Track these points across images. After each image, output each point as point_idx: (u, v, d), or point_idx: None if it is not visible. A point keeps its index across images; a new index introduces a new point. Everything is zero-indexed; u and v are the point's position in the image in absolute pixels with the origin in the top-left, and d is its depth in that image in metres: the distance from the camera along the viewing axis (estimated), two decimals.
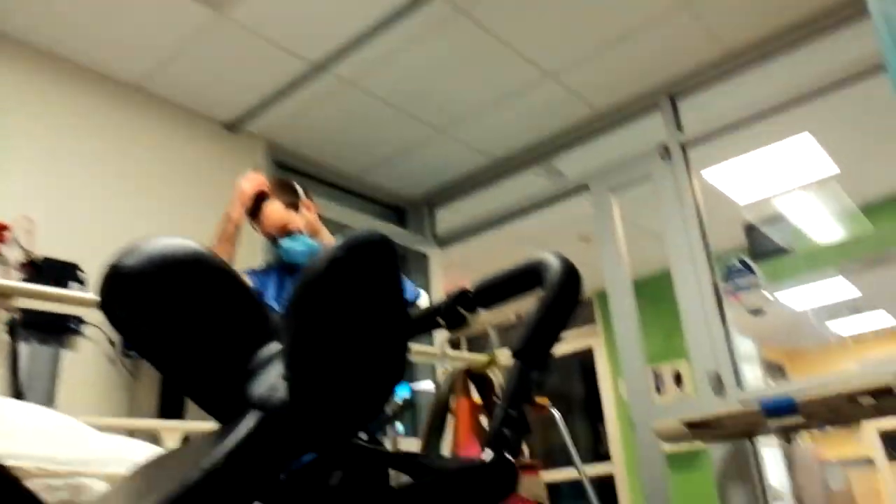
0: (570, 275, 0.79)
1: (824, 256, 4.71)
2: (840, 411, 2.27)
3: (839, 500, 6.52)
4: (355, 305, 0.61)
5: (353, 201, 4.00)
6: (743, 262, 2.96)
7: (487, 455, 0.69)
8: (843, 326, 7.92)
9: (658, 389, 5.44)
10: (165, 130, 3.17)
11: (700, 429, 2.56)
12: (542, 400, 3.42)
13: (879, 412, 2.19)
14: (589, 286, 3.38)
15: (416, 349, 1.25)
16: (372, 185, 4.05)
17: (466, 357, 1.21)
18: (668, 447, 4.47)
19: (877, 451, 7.38)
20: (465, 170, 3.97)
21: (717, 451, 2.92)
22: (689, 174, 3.19)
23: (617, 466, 5.98)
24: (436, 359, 1.25)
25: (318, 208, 2.45)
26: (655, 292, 3.09)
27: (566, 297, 0.78)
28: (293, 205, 2.35)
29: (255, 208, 2.32)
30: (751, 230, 3.88)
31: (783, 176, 3.98)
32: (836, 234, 4.59)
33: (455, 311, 0.96)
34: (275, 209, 2.31)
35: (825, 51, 2.96)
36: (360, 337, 0.61)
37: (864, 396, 2.15)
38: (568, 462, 6.58)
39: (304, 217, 2.35)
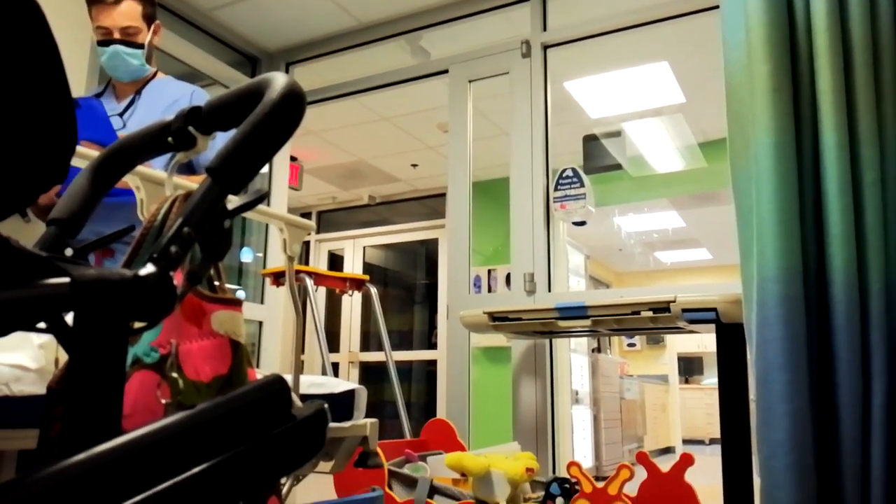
0: (289, 97, 0.72)
1: (657, 185, 4.98)
2: (624, 321, 2.42)
3: (630, 407, 7.26)
4: None
5: (201, 41, 3.68)
6: (574, 172, 3.03)
7: (145, 269, 0.63)
8: (667, 255, 8.60)
9: (490, 289, 5.65)
10: None
11: (501, 321, 2.66)
12: (363, 277, 3.44)
13: (656, 324, 2.35)
14: (445, 181, 3.36)
15: (142, 171, 1.14)
16: (224, 27, 3.73)
17: (190, 185, 1.12)
18: (484, 342, 4.71)
19: (672, 371, 8.25)
20: (328, 28, 3.73)
21: (517, 347, 3.07)
22: (545, 76, 3.17)
23: (441, 354, 6.25)
24: (161, 184, 1.15)
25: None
26: (505, 195, 3.13)
27: (278, 120, 0.71)
28: (147, 16, 2.14)
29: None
30: (589, 141, 3.97)
31: (635, 99, 4.09)
32: (672, 165, 4.84)
33: (186, 131, 0.86)
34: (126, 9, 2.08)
35: None
36: None
37: (645, 310, 2.30)
38: (405, 345, 6.82)
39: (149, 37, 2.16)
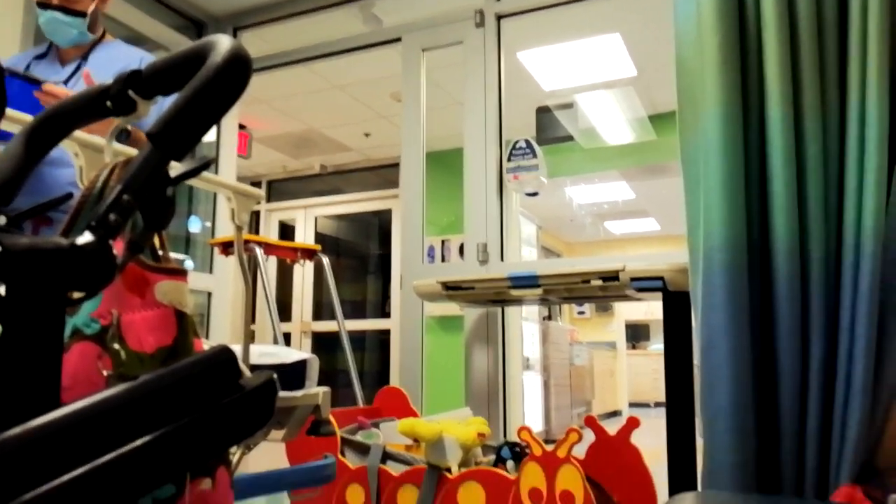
0: (234, 61, 0.69)
1: (607, 157, 5.04)
2: (574, 290, 2.46)
3: (579, 373, 7.42)
4: None
5: (143, 3, 3.53)
6: (527, 143, 3.04)
7: (83, 238, 0.61)
8: (617, 226, 8.75)
9: (443, 258, 5.66)
10: None
11: (454, 290, 2.67)
12: (314, 247, 3.41)
13: (605, 292, 2.40)
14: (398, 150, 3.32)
15: (80, 137, 1.10)
16: None
17: (131, 152, 1.08)
18: (438, 311, 4.74)
19: (620, 338, 8.45)
20: None
21: (470, 315, 3.09)
22: (498, 46, 3.15)
23: (394, 323, 6.26)
24: (100, 151, 1.11)
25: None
26: (459, 165, 3.12)
27: (221, 85, 0.68)
28: None
29: None
30: (542, 112, 3.99)
31: (587, 71, 4.11)
32: (623, 138, 4.90)
33: (125, 95, 0.83)
34: None
35: None
36: None
37: (595, 279, 2.34)
38: (359, 314, 6.80)
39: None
